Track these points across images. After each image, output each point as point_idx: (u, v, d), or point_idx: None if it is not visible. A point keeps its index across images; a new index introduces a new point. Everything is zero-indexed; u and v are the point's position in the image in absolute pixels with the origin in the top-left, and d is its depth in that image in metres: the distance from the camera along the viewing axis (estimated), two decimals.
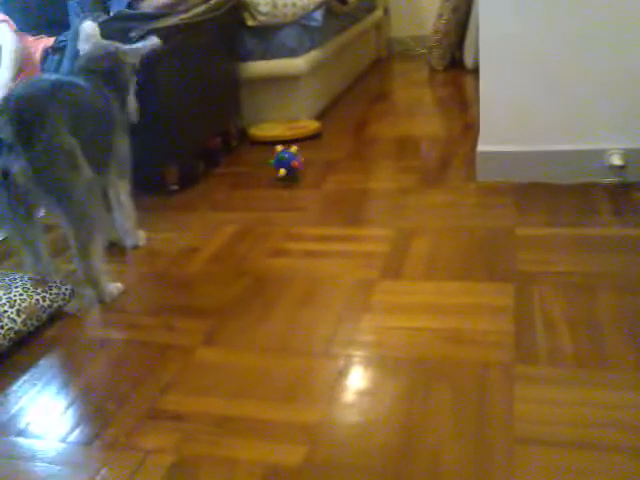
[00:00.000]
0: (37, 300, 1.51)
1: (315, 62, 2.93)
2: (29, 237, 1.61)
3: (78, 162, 1.50)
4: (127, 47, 1.83)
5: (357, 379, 1.25)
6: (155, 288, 1.70)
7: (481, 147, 2.06)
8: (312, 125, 2.78)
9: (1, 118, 1.42)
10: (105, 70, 1.75)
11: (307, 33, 2.88)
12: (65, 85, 1.58)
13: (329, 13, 3.05)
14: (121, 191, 1.83)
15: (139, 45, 1.86)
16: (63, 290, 1.57)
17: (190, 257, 1.81)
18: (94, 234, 1.56)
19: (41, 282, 1.55)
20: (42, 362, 1.42)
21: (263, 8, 2.74)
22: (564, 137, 1.96)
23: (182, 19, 2.26)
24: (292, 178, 2.26)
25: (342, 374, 1.26)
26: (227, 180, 2.36)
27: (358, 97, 3.44)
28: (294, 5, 2.79)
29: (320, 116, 3.00)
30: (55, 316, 1.57)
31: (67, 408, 1.26)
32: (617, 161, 1.89)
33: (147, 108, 1.95)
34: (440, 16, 3.61)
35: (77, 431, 1.18)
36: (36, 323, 1.51)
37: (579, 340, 1.27)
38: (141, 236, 1.92)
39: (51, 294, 1.54)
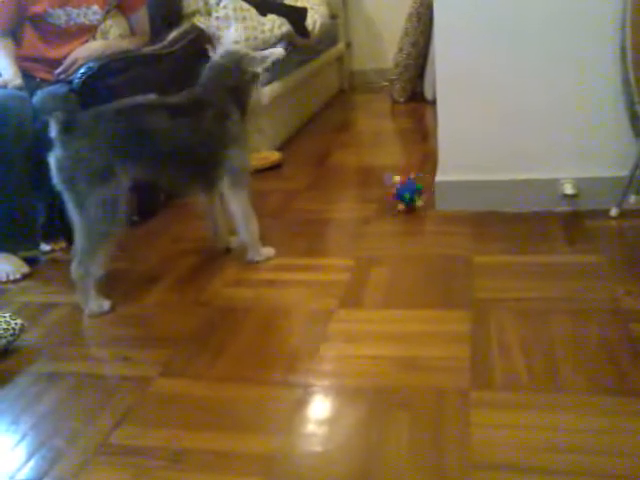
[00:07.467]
0: None
1: (276, 94, 2.96)
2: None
3: (107, 175, 1.61)
4: (253, 55, 1.85)
5: (315, 408, 1.25)
6: (111, 319, 1.67)
7: (439, 177, 2.10)
8: (273, 156, 2.79)
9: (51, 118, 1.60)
10: (229, 87, 1.80)
11: None
12: (122, 109, 1.70)
13: (291, 46, 3.10)
14: (232, 201, 1.82)
15: (266, 53, 1.87)
16: (12, 325, 1.53)
17: (149, 288, 1.79)
18: (95, 245, 1.64)
19: None
20: None
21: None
22: (518, 167, 2.01)
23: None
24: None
25: (300, 403, 1.25)
26: (187, 211, 2.35)
27: (320, 128, 3.48)
28: (255, 38, 2.83)
29: (282, 147, 3.02)
30: (6, 350, 1.52)
31: (16, 444, 1.21)
32: (569, 190, 1.94)
33: None
34: (400, 50, 3.69)
35: (26, 468, 1.15)
36: None
37: (534, 365, 1.28)
38: (266, 253, 1.89)
39: None
